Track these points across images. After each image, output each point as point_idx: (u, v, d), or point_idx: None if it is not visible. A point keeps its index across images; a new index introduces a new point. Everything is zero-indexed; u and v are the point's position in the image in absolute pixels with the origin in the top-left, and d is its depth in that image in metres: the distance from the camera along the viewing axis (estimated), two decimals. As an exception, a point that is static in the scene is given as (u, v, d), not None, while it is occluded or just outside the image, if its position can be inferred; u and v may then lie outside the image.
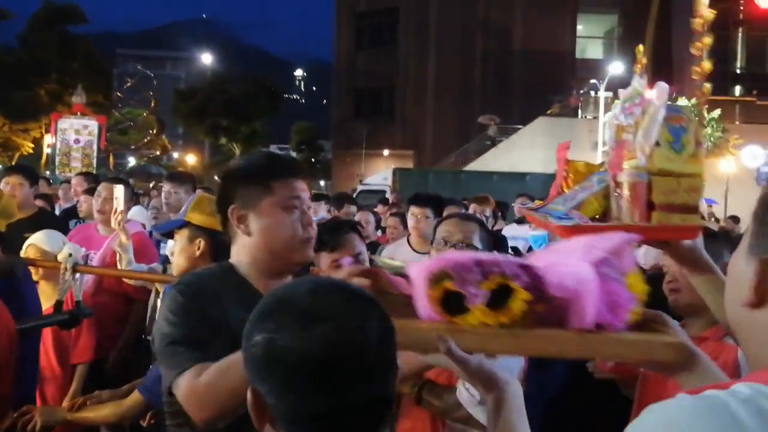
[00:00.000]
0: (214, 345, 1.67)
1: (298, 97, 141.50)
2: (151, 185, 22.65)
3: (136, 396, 2.63)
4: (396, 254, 4.80)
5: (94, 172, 22.44)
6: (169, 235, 2.98)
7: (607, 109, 25.48)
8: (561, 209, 1.59)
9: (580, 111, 30.35)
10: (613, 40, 36.55)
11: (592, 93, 28.89)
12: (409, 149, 38.39)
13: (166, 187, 5.16)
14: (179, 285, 1.85)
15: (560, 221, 1.53)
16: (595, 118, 26.62)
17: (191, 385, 1.64)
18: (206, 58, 72.40)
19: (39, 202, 5.68)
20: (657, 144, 1.46)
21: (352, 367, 1.02)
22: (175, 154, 76.61)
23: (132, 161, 69.80)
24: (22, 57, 37.40)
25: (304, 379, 1.01)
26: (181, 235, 2.71)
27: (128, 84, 55.62)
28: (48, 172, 30.70)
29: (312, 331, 1.01)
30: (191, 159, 67.36)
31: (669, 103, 1.49)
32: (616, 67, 26.12)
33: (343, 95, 45.33)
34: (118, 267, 3.88)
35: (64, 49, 38.64)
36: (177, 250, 2.71)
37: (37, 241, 3.56)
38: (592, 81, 27.82)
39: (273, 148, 78.18)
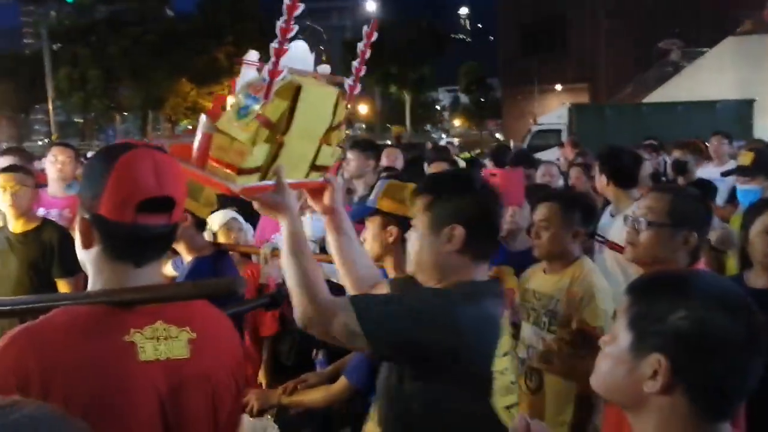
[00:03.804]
0: None
1: (464, 36, 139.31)
2: None
3: (343, 381, 2.68)
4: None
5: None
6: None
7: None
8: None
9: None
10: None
11: (789, 3, 26.08)
12: (583, 82, 36.85)
13: (350, 155, 5.12)
14: None
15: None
16: (794, 31, 24.16)
17: None
18: (370, 5, 72.97)
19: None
20: (230, 107, 1.67)
21: (761, 352, 1.17)
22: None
23: (307, 115, 72.56)
24: (198, 23, 39.63)
25: (730, 359, 1.14)
26: (373, 222, 2.70)
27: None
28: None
29: (739, 317, 1.15)
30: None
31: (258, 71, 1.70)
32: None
33: (510, 30, 44.11)
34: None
35: (236, 11, 40.41)
36: (369, 237, 2.72)
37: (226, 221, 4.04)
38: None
39: (441, 91, 78.09)
